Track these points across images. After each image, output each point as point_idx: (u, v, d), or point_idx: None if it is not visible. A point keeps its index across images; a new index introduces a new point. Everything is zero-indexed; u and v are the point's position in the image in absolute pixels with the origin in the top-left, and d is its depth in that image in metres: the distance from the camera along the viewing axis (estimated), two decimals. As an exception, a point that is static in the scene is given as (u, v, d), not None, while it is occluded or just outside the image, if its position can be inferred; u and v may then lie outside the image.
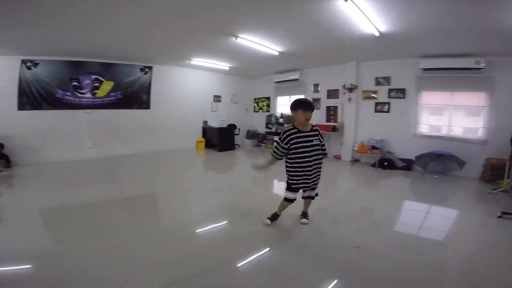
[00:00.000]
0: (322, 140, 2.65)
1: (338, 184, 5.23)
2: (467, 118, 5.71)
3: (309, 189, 2.74)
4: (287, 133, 2.53)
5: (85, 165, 5.93)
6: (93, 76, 6.61)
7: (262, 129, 9.78)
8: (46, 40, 4.99)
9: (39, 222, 2.95)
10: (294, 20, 4.13)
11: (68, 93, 6.33)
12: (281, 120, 8.88)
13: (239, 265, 2.12)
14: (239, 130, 9.36)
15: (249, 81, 10.21)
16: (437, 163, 5.60)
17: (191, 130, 8.67)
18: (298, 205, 2.91)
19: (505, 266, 2.20)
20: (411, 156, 5.95)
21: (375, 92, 6.68)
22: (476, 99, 5.48)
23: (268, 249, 2.38)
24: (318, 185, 2.79)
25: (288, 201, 2.73)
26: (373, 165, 6.36)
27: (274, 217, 2.85)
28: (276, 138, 8.83)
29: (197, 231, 2.79)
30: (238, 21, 4.30)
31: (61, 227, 2.78)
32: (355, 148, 6.79)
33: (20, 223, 2.85)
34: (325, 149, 2.68)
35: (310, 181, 2.64)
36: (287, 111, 8.98)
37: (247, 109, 10.40)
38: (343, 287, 1.89)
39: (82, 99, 6.52)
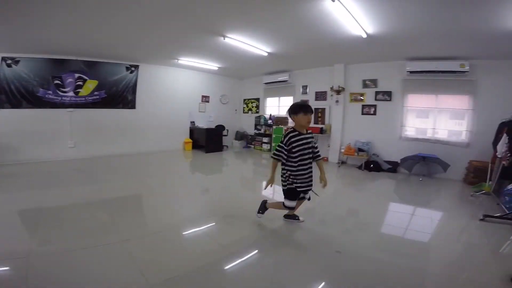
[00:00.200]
0: (316, 142, 2.69)
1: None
2: (452, 121, 5.80)
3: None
4: (290, 135, 2.53)
5: (65, 166, 5.75)
6: (77, 75, 6.43)
7: (251, 131, 9.73)
8: (28, 37, 4.83)
9: (15, 223, 2.81)
10: (282, 20, 4.09)
11: (49, 92, 6.13)
12: (269, 122, 8.84)
13: (226, 267, 2.08)
14: (227, 131, 9.29)
15: (239, 81, 10.15)
16: (422, 165, 5.65)
17: (178, 131, 8.54)
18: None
19: (485, 269, 2.19)
20: (396, 158, 6.00)
21: (362, 95, 6.72)
22: (460, 102, 5.57)
23: (256, 251, 2.34)
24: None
25: (287, 208, 2.70)
26: (360, 167, 6.38)
27: (262, 208, 2.92)
28: (265, 139, 8.82)
29: (183, 233, 2.73)
30: (226, 20, 4.24)
31: (37, 229, 2.66)
32: (342, 150, 6.81)
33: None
34: (319, 151, 2.71)
35: (310, 182, 2.65)
36: (275, 112, 8.97)
37: (236, 110, 10.32)
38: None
39: (64, 98, 6.33)
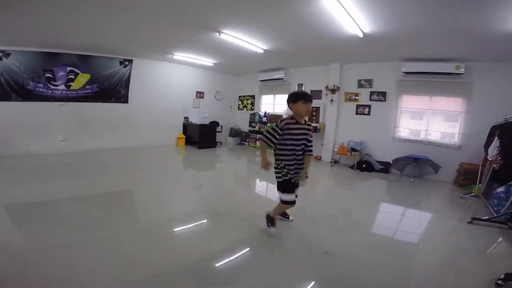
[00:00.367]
0: (311, 137, 2.54)
1: (317, 184, 5.21)
2: (445, 123, 5.82)
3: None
4: (286, 121, 2.37)
5: (55, 159, 5.66)
6: (68, 68, 6.32)
7: (245, 127, 9.69)
8: (19, 30, 4.74)
9: (1, 218, 2.76)
10: (278, 16, 4.03)
11: (40, 85, 6.01)
12: (264, 119, 8.81)
13: (212, 266, 2.07)
14: (221, 128, 9.24)
15: (235, 78, 10.08)
16: (414, 166, 5.68)
17: (171, 126, 8.45)
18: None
19: (471, 273, 2.20)
20: (389, 159, 6.02)
21: (357, 95, 6.71)
22: (454, 104, 5.59)
23: (244, 251, 2.33)
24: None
25: (288, 203, 2.48)
26: (352, 167, 6.39)
27: (271, 221, 2.64)
28: (259, 136, 8.78)
29: (171, 230, 2.70)
30: (222, 16, 4.17)
31: (25, 223, 2.62)
32: (335, 150, 6.81)
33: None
34: (311, 146, 2.53)
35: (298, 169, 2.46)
36: (270, 110, 8.93)
37: (231, 107, 10.27)
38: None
39: (55, 91, 6.21)
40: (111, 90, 7.05)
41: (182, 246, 2.38)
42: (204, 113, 8.99)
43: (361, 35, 4.37)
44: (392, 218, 3.45)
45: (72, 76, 6.39)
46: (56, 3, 3.63)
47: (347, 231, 2.94)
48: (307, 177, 2.52)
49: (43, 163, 5.34)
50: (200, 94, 9.07)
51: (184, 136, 8.53)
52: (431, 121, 5.89)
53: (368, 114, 6.56)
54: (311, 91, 7.51)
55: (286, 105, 2.49)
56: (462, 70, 5.15)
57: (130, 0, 3.58)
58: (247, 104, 9.87)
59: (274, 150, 2.47)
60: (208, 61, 7.71)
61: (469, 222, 3.24)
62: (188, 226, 2.77)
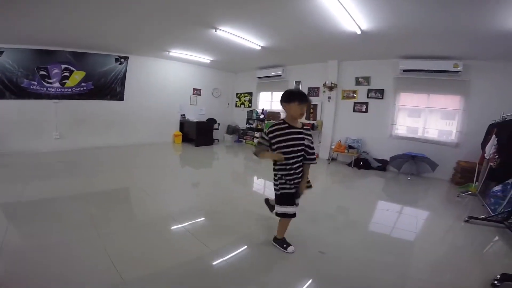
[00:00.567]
0: (313, 143, 2.21)
1: (315, 182, 5.17)
2: (442, 121, 5.82)
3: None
4: (275, 126, 2.10)
5: (50, 157, 5.60)
6: (63, 66, 6.24)
7: (243, 125, 9.64)
8: (12, 28, 4.67)
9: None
10: (275, 12, 3.97)
11: (34, 83, 5.94)
12: (261, 116, 8.77)
13: (207, 265, 2.04)
14: (219, 125, 9.20)
15: (232, 75, 10.01)
16: (411, 164, 5.68)
17: (167, 124, 8.40)
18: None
19: (467, 272, 2.20)
20: (386, 156, 6.02)
21: (354, 92, 6.68)
22: (452, 102, 5.58)
23: (239, 250, 2.30)
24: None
25: (288, 216, 2.23)
26: (349, 165, 6.39)
27: (282, 243, 2.34)
28: (257, 134, 8.76)
29: (168, 228, 2.68)
30: (218, 12, 4.11)
31: (21, 221, 2.60)
32: (333, 147, 6.80)
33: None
34: (313, 153, 2.21)
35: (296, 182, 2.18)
36: (268, 107, 8.89)
37: (228, 104, 10.21)
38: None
39: (49, 89, 6.14)
40: (107, 87, 6.98)
41: (179, 245, 2.35)
42: (201, 110, 8.95)
43: (359, 32, 4.33)
44: (389, 216, 3.44)
45: (67, 74, 6.32)
46: (56, 3, 3.60)
47: (344, 230, 2.93)
48: (310, 186, 2.28)
49: (39, 161, 5.28)
50: (197, 91, 9.01)
51: (181, 133, 8.48)
52: (428, 119, 5.88)
53: (366, 111, 6.55)
54: (309, 88, 7.49)
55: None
56: (460, 68, 5.13)
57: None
58: (245, 101, 9.82)
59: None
60: (205, 58, 7.64)
61: (466, 221, 3.24)
62: (184, 224, 2.74)
